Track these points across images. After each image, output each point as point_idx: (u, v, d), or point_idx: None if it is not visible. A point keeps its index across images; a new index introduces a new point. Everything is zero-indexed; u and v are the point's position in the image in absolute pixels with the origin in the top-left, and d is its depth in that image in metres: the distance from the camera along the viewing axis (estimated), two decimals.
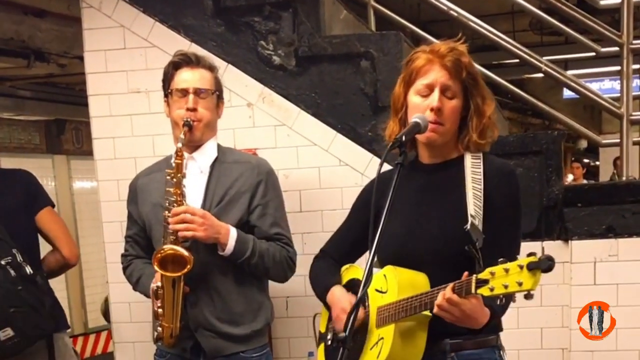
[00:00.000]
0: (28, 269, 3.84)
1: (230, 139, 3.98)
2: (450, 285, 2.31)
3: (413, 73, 2.60)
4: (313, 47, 4.07)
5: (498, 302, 2.25)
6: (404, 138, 2.43)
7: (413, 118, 2.53)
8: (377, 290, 2.61)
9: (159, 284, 3.17)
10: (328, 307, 2.85)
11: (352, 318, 2.27)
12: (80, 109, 4.50)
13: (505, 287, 2.13)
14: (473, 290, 2.24)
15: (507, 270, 2.14)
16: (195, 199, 3.26)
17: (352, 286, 2.81)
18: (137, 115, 4.27)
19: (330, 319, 2.91)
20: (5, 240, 3.83)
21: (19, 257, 3.82)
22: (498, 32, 4.50)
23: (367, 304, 2.65)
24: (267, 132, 4.14)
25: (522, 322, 3.87)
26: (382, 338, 2.54)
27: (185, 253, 3.08)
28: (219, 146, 3.39)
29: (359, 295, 2.28)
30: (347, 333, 2.23)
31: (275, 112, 4.12)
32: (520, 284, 2.10)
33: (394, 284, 2.54)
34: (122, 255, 3.60)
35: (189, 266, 3.08)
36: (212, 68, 3.34)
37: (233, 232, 3.18)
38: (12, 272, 3.78)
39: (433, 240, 2.57)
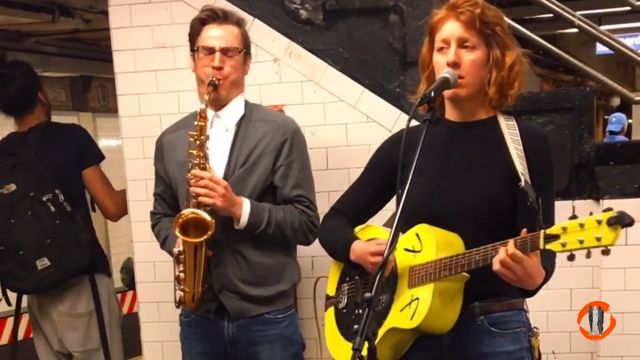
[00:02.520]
0: (68, 207, 4.18)
1: (257, 95, 3.93)
2: (512, 240, 2.27)
3: (432, 31, 2.57)
4: (341, 0, 4.00)
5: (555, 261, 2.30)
6: (432, 94, 2.38)
7: (442, 73, 2.47)
8: (407, 250, 2.55)
9: (181, 248, 3.15)
10: (349, 264, 2.77)
11: (378, 278, 2.21)
12: (106, 65, 4.48)
13: (581, 242, 2.11)
14: (541, 246, 2.21)
15: (582, 225, 2.11)
16: (221, 158, 3.23)
17: None
18: (162, 71, 4.22)
19: (341, 279, 2.88)
20: (48, 180, 4.16)
21: (61, 197, 4.17)
22: None
23: (394, 264, 2.59)
24: (293, 88, 4.08)
25: (552, 283, 3.75)
26: (417, 299, 2.48)
27: (208, 217, 3.05)
28: (246, 103, 3.34)
29: (385, 254, 2.23)
30: (372, 294, 2.17)
31: (302, 67, 4.05)
32: (599, 239, 2.08)
33: (431, 242, 2.49)
34: (151, 213, 3.59)
35: (210, 232, 3.05)
36: (240, 23, 3.28)
37: (246, 207, 3.14)
38: (52, 208, 4.12)
39: (468, 197, 2.53)
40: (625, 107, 15.78)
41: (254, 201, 3.19)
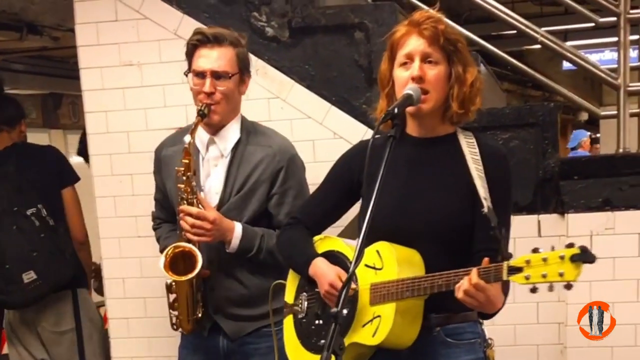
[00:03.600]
0: (51, 221, 4.30)
1: None
2: (475, 270, 2.29)
3: (394, 46, 2.59)
4: (306, 18, 4.01)
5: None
6: (396, 110, 2.40)
7: (406, 89, 2.49)
8: (368, 266, 2.56)
9: (171, 280, 3.18)
10: (308, 279, 2.80)
11: (344, 293, 2.22)
12: (76, 82, 4.49)
13: (544, 276, 2.12)
14: (504, 277, 2.22)
15: (545, 260, 2.12)
16: (216, 184, 3.23)
17: (328, 258, 2.76)
18: (130, 89, 4.21)
19: (299, 288, 2.88)
20: (31, 195, 4.28)
21: (44, 212, 4.28)
22: (496, 3, 4.44)
23: (356, 280, 2.60)
24: (260, 104, 4.07)
25: (518, 296, 3.81)
26: (379, 316, 2.50)
27: (196, 251, 3.10)
28: (243, 124, 3.31)
29: (351, 270, 2.23)
30: (339, 308, 2.18)
31: (269, 84, 4.06)
32: (561, 275, 2.09)
33: (392, 261, 2.50)
34: (153, 213, 3.59)
35: (198, 266, 3.08)
36: (235, 43, 3.20)
37: (237, 232, 3.15)
38: (37, 222, 4.23)
39: (429, 215, 2.54)
40: (593, 122, 15.92)
41: (246, 226, 3.18)
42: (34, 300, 4.25)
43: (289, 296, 2.94)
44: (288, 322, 2.91)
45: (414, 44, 2.53)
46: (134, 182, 4.22)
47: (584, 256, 2.08)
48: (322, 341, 2.18)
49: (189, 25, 4.00)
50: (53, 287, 4.28)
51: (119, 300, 4.35)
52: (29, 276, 4.15)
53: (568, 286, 2.11)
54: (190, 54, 3.21)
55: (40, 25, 6.40)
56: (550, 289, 2.16)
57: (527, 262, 2.16)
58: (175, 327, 3.32)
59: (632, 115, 4.28)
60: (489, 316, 2.56)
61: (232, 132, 3.26)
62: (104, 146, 4.24)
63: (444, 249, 2.46)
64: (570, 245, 2.11)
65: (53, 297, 4.34)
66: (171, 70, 4.01)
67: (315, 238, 2.89)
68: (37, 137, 9.34)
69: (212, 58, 3.14)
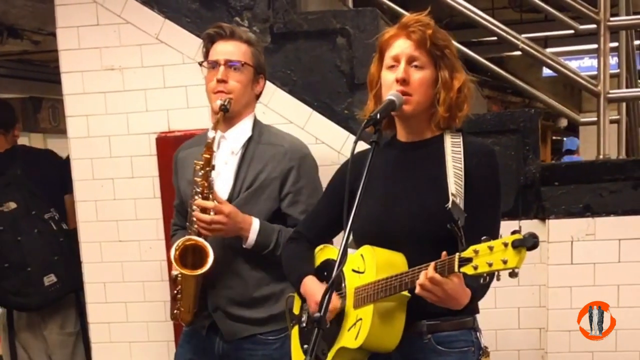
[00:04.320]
0: (64, 225, 4.48)
1: (206, 116, 3.93)
2: (432, 264, 2.28)
3: (382, 48, 2.60)
4: (288, 23, 4.02)
5: (481, 282, 2.20)
6: (378, 116, 2.40)
7: (388, 95, 2.50)
8: (354, 271, 2.58)
9: (177, 273, 3.14)
10: (301, 296, 2.83)
11: (326, 298, 2.22)
12: (56, 86, 4.50)
13: (490, 265, 2.09)
14: (456, 269, 2.20)
15: (491, 248, 2.09)
16: (226, 181, 3.20)
17: (326, 266, 2.77)
18: (111, 93, 4.20)
19: (304, 300, 2.89)
20: (44, 199, 4.43)
21: (57, 216, 4.46)
22: (476, 10, 4.45)
23: (343, 284, 2.62)
24: None
25: (500, 302, 3.86)
26: (361, 319, 2.51)
27: (207, 246, 3.08)
28: (255, 124, 3.29)
29: (333, 275, 2.24)
30: (321, 313, 2.18)
31: None
32: (505, 262, 2.05)
33: (372, 263, 2.51)
34: (172, 224, 3.56)
35: (208, 261, 3.06)
36: (250, 42, 3.22)
37: (255, 226, 3.12)
38: (54, 226, 4.42)
39: (411, 219, 2.55)
40: (572, 129, 15.98)
41: (263, 221, 3.15)
42: (51, 302, 4.41)
43: (296, 308, 2.96)
44: (294, 334, 2.93)
45: (401, 46, 2.54)
46: (115, 187, 4.21)
47: (524, 241, 2.03)
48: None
49: (171, 30, 4.01)
50: (68, 290, 4.45)
51: (100, 305, 4.32)
52: (49, 279, 4.33)
53: (513, 274, 2.07)
54: (207, 50, 3.23)
55: (21, 29, 6.37)
56: (498, 278, 2.13)
57: (476, 252, 2.13)
58: (174, 318, 3.30)
59: (612, 122, 4.30)
60: (454, 312, 2.49)
61: (243, 130, 3.24)
62: (85, 150, 4.23)
63: (427, 250, 2.44)
64: (515, 232, 2.07)
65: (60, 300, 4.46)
66: (153, 74, 4.01)
67: (317, 249, 2.90)
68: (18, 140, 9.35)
69: (226, 48, 3.16)
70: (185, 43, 4.05)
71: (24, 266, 4.25)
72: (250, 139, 3.24)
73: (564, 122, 16.39)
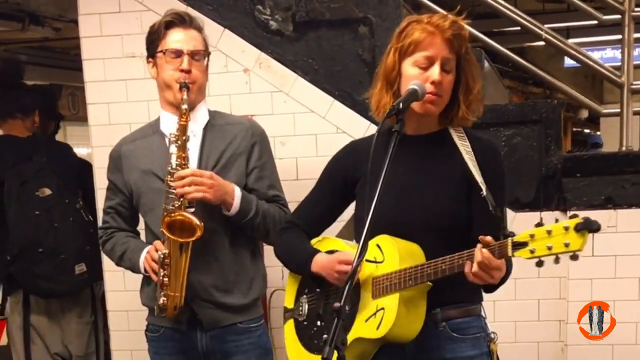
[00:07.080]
0: (90, 217, 4.47)
1: (227, 105, 3.94)
2: (480, 247, 2.31)
3: (412, 45, 2.54)
4: (311, 12, 4.02)
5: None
6: (401, 105, 2.39)
7: (411, 85, 2.48)
8: (368, 261, 2.56)
9: (165, 251, 3.08)
10: (312, 277, 2.76)
11: (347, 288, 2.19)
12: (76, 74, 4.51)
13: (549, 248, 2.16)
14: (510, 253, 2.25)
15: (549, 232, 2.16)
16: (190, 164, 3.14)
17: None
18: (132, 80, 4.20)
19: (299, 292, 2.88)
20: (72, 189, 4.48)
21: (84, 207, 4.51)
22: (500, 0, 4.43)
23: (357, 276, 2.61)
24: (263, 98, 4.09)
25: (519, 293, 3.85)
26: (383, 308, 2.50)
27: (196, 220, 3.01)
28: (208, 110, 3.30)
29: (354, 263, 2.21)
30: (342, 304, 2.15)
31: (272, 78, 4.06)
32: (567, 245, 2.12)
33: (394, 252, 2.51)
34: (101, 228, 3.48)
35: (199, 233, 3.00)
36: (201, 29, 3.23)
37: (237, 191, 3.11)
38: (85, 216, 4.45)
39: (428, 208, 2.56)
40: (593, 120, 15.89)
41: (242, 189, 3.15)
42: (77, 291, 4.46)
43: (289, 301, 2.94)
44: (288, 327, 2.91)
45: (438, 48, 2.52)
46: None
47: (588, 224, 2.10)
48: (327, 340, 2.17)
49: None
50: (94, 280, 4.48)
51: (119, 292, 4.33)
52: (80, 268, 4.34)
53: (574, 257, 2.15)
54: (160, 36, 3.17)
55: (42, 16, 6.39)
56: (556, 261, 2.18)
57: (532, 236, 2.19)
58: (159, 311, 3.17)
59: (635, 113, 4.27)
60: (462, 300, 2.61)
61: (201, 114, 3.24)
62: (106, 138, 4.21)
63: (444, 241, 2.48)
64: (574, 217, 2.14)
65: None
66: None
67: (313, 241, 2.88)
68: None
69: (188, 37, 3.15)
70: (206, 30, 4.04)
71: (58, 253, 4.25)
72: (208, 123, 3.24)
73: (584, 114, 16.29)
